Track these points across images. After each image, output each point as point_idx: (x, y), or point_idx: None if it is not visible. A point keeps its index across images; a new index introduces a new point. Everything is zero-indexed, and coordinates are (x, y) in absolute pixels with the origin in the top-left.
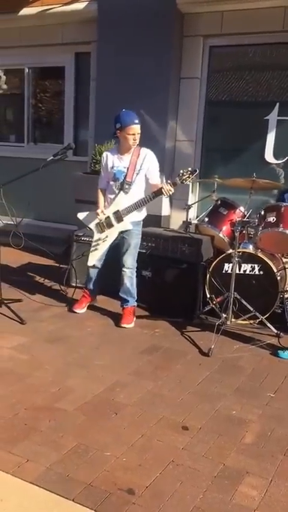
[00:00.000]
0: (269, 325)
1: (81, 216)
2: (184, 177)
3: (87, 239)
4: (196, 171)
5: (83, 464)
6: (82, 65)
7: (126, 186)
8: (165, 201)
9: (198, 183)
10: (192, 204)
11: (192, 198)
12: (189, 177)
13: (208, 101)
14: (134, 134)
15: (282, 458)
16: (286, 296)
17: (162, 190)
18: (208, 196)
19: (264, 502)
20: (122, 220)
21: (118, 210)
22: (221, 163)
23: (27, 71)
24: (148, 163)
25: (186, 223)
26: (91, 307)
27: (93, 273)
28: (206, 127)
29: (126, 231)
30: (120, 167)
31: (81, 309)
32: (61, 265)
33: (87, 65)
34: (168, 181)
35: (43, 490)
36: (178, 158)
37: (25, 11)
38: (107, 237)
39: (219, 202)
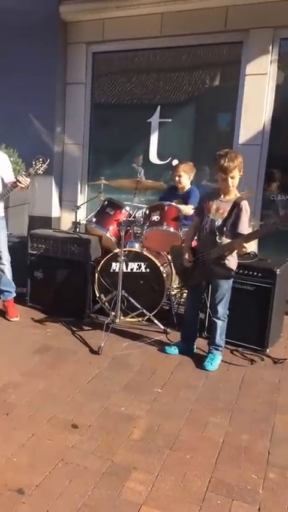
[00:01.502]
0: (156, 321)
1: None
2: (37, 167)
3: None
4: (48, 160)
5: None
6: None
7: None
8: (55, 202)
9: (87, 185)
10: (81, 205)
11: (81, 199)
12: (41, 166)
13: (94, 104)
14: None
15: (168, 452)
16: (172, 293)
17: (18, 181)
18: (96, 197)
19: (151, 496)
20: None
21: None
22: (108, 164)
23: None
24: (1, 165)
25: (75, 224)
26: None
27: None
28: (93, 130)
29: None
30: None
31: None
32: None
33: None
34: (24, 172)
35: None
36: (66, 161)
37: None
38: None
39: (106, 202)
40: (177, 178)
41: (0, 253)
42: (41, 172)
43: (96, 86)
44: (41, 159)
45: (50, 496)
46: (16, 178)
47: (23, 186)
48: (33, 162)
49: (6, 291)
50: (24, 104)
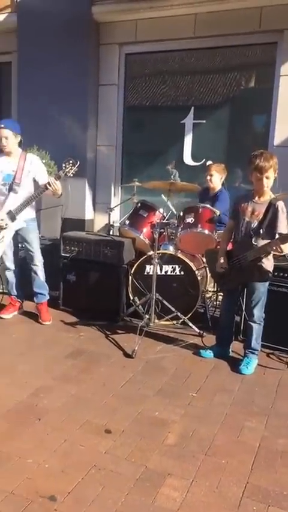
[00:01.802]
0: (191, 325)
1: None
2: (67, 170)
3: None
4: (78, 162)
5: (5, 473)
6: (3, 74)
7: (16, 187)
8: (89, 205)
9: (120, 187)
10: (114, 207)
11: (115, 201)
12: (71, 168)
13: (126, 106)
14: (5, 138)
15: (203, 458)
16: (207, 296)
17: (48, 183)
18: (129, 199)
19: (186, 503)
20: (16, 218)
21: (10, 210)
22: (141, 166)
23: None
24: (36, 167)
25: (108, 226)
26: (20, 313)
27: (10, 277)
28: (126, 132)
29: (21, 228)
30: (9, 171)
31: (6, 315)
32: None
33: (8, 74)
34: (54, 175)
35: None
36: (99, 163)
37: None
38: (3, 237)
39: (139, 204)
40: (208, 178)
41: (32, 255)
42: (71, 175)
43: (129, 87)
44: (71, 161)
45: (82, 502)
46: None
47: (51, 188)
48: (63, 165)
49: (40, 293)
50: (57, 105)
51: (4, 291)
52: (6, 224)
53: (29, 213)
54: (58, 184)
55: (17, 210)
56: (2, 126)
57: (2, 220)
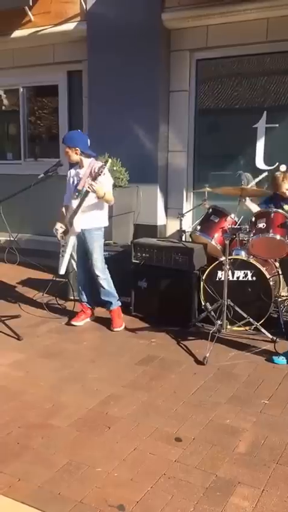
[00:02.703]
0: (264, 331)
1: (54, 229)
2: (99, 171)
3: None
4: (108, 161)
5: (74, 482)
6: (75, 83)
7: (76, 194)
8: (160, 210)
9: (192, 192)
10: (186, 212)
11: (187, 207)
12: (102, 170)
13: (198, 111)
14: (66, 152)
15: (275, 466)
16: (280, 300)
17: (86, 186)
18: (200, 205)
19: None
20: (72, 224)
21: (70, 216)
22: (213, 171)
23: (21, 90)
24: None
25: (180, 232)
26: (92, 320)
27: (80, 284)
28: (197, 137)
29: (85, 236)
30: (76, 180)
31: (78, 322)
32: (57, 279)
33: (79, 82)
34: (88, 178)
35: (34, 509)
36: (171, 168)
37: (17, 33)
38: (66, 243)
39: (210, 210)
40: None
41: (93, 264)
42: (103, 175)
43: (200, 93)
44: (101, 163)
45: (151, 511)
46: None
47: (90, 191)
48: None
49: (107, 301)
50: (128, 113)
51: (76, 298)
52: (62, 233)
53: (91, 221)
54: (95, 186)
55: (72, 216)
56: (63, 141)
57: (60, 227)
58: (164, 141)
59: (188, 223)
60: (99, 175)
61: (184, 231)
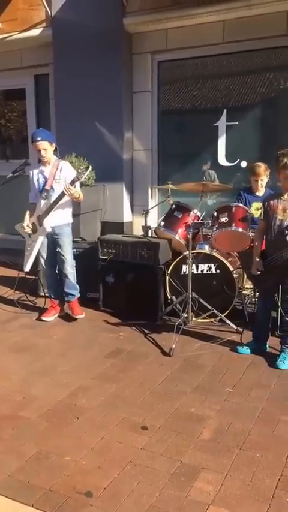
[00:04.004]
0: (228, 322)
1: (17, 227)
2: (78, 177)
3: None
4: (88, 167)
5: (44, 471)
6: (42, 86)
7: (45, 194)
8: (127, 208)
9: (157, 189)
10: (150, 209)
11: (152, 204)
12: (83, 172)
13: (161, 111)
14: (39, 150)
15: (238, 452)
16: (245, 292)
17: (64, 190)
18: (164, 201)
19: (219, 496)
20: (42, 224)
21: (39, 215)
22: (177, 168)
23: None
24: (65, 173)
25: (145, 228)
26: (60, 315)
27: (49, 280)
28: (161, 136)
29: (57, 233)
30: (43, 179)
31: (48, 317)
32: (27, 276)
33: (46, 86)
34: (68, 182)
35: (3, 498)
36: (136, 167)
37: None
38: (33, 241)
39: (173, 206)
40: (259, 183)
41: (64, 259)
42: (84, 180)
43: (162, 93)
44: (81, 167)
45: (118, 498)
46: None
47: (67, 194)
48: (77, 171)
49: (70, 294)
50: (93, 114)
51: (46, 294)
52: (31, 230)
53: (62, 218)
54: (73, 190)
55: (44, 215)
56: (39, 139)
57: (27, 226)
58: (128, 140)
59: (154, 219)
60: (79, 180)
61: (149, 227)
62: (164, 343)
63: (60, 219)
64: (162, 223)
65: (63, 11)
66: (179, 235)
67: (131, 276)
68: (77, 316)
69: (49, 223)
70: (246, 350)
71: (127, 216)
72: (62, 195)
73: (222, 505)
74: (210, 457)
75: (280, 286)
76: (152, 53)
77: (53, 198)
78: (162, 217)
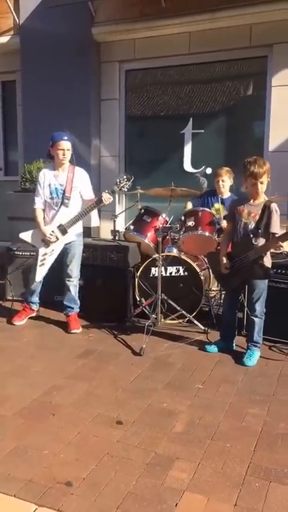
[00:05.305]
0: (196, 322)
1: (24, 235)
2: (122, 184)
3: (22, 254)
4: (132, 177)
5: (23, 463)
6: (9, 92)
7: (66, 201)
8: (94, 213)
9: (124, 195)
10: (119, 214)
11: (119, 209)
12: (126, 183)
13: (128, 118)
14: (62, 150)
15: (209, 442)
16: (211, 295)
17: (102, 198)
18: (133, 206)
19: (193, 482)
20: (67, 232)
21: (61, 224)
22: (144, 175)
23: None
24: (83, 183)
25: (114, 232)
26: (29, 317)
27: (37, 286)
28: (128, 142)
29: (70, 242)
30: (57, 185)
31: (20, 321)
32: None
33: (13, 92)
34: (107, 190)
35: None
36: (103, 173)
37: None
38: (53, 250)
39: (142, 210)
40: (220, 183)
41: (71, 269)
42: (126, 189)
43: (129, 101)
44: (125, 177)
45: (96, 486)
46: (101, 196)
47: (106, 203)
48: (118, 180)
49: (69, 307)
50: (60, 121)
51: (15, 298)
52: (56, 238)
53: (78, 227)
54: (111, 199)
55: (69, 224)
56: (66, 138)
57: (52, 233)
58: (96, 147)
59: (121, 224)
60: (121, 190)
61: (118, 231)
62: (134, 344)
63: (77, 228)
64: (132, 227)
65: (32, 19)
66: (148, 238)
67: (101, 279)
68: (73, 331)
69: (73, 231)
70: (214, 349)
71: (95, 221)
72: (99, 203)
73: (196, 491)
74: (183, 448)
75: (246, 286)
76: (120, 61)
77: (72, 205)
78: (131, 221)
